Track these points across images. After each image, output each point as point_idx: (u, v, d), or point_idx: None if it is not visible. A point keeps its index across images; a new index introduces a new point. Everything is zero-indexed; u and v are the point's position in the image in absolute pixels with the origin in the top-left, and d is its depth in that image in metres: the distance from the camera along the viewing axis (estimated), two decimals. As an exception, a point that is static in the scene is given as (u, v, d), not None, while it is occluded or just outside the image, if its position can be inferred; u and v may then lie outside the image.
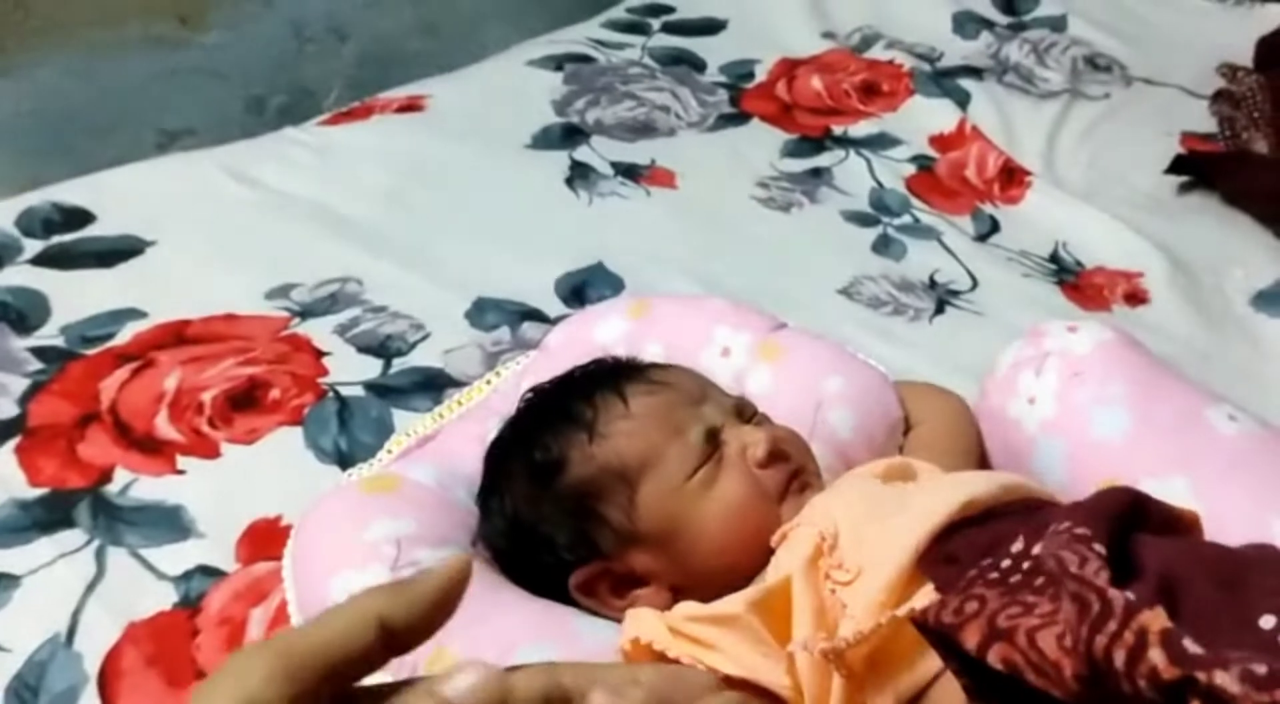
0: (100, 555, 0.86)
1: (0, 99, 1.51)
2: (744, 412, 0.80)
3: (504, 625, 0.73)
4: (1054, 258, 1.26)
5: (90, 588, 0.83)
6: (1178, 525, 0.65)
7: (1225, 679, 0.47)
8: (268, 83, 1.73)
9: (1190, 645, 0.48)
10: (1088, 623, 0.50)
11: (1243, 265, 1.23)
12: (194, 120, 1.66)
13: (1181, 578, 0.55)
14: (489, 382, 0.97)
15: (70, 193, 1.29)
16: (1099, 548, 0.56)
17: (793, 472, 0.76)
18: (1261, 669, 0.47)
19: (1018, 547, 0.60)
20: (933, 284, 1.21)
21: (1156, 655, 0.48)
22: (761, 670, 0.63)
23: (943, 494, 0.68)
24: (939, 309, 1.17)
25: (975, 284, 1.21)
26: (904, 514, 0.68)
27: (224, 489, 0.91)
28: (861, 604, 0.63)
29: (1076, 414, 0.79)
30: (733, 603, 0.65)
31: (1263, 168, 1.35)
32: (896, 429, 0.88)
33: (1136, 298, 1.19)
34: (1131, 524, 0.61)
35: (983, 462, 0.86)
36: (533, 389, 0.85)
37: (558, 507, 0.76)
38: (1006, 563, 0.59)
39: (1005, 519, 0.66)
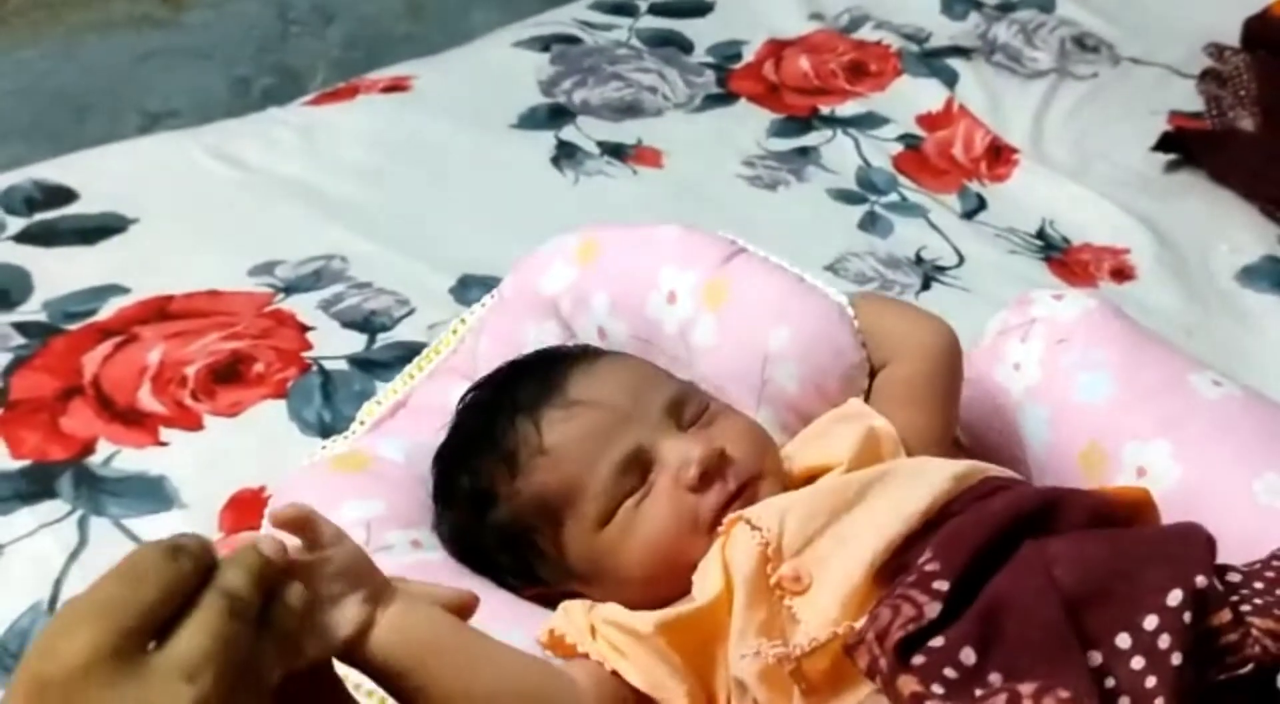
0: (83, 525, 0.86)
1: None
2: (684, 411, 0.74)
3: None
4: (1041, 234, 1.26)
5: (73, 557, 0.83)
6: (1108, 513, 0.63)
7: None
8: (252, 64, 1.72)
9: None
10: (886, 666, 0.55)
11: (1228, 241, 1.23)
12: (177, 102, 1.65)
13: (1016, 607, 0.55)
14: (454, 331, 0.96)
15: (52, 171, 1.29)
16: (939, 586, 0.56)
17: (734, 489, 0.70)
18: None
19: (924, 556, 0.60)
20: (919, 260, 1.21)
21: None
22: (663, 689, 0.62)
23: (902, 503, 0.65)
24: (925, 285, 1.17)
25: (962, 260, 1.21)
26: (860, 516, 0.65)
27: (207, 460, 0.91)
28: (817, 618, 0.62)
29: (1061, 379, 0.79)
30: (644, 621, 0.64)
31: (1249, 145, 1.35)
32: (853, 374, 0.81)
33: (1123, 274, 1.20)
34: (1035, 529, 0.60)
35: (955, 413, 0.81)
36: (471, 388, 0.81)
37: (495, 537, 0.75)
38: (911, 574, 0.59)
39: (952, 519, 0.64)
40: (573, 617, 0.66)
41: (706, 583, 0.66)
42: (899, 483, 0.68)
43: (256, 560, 0.47)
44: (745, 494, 0.70)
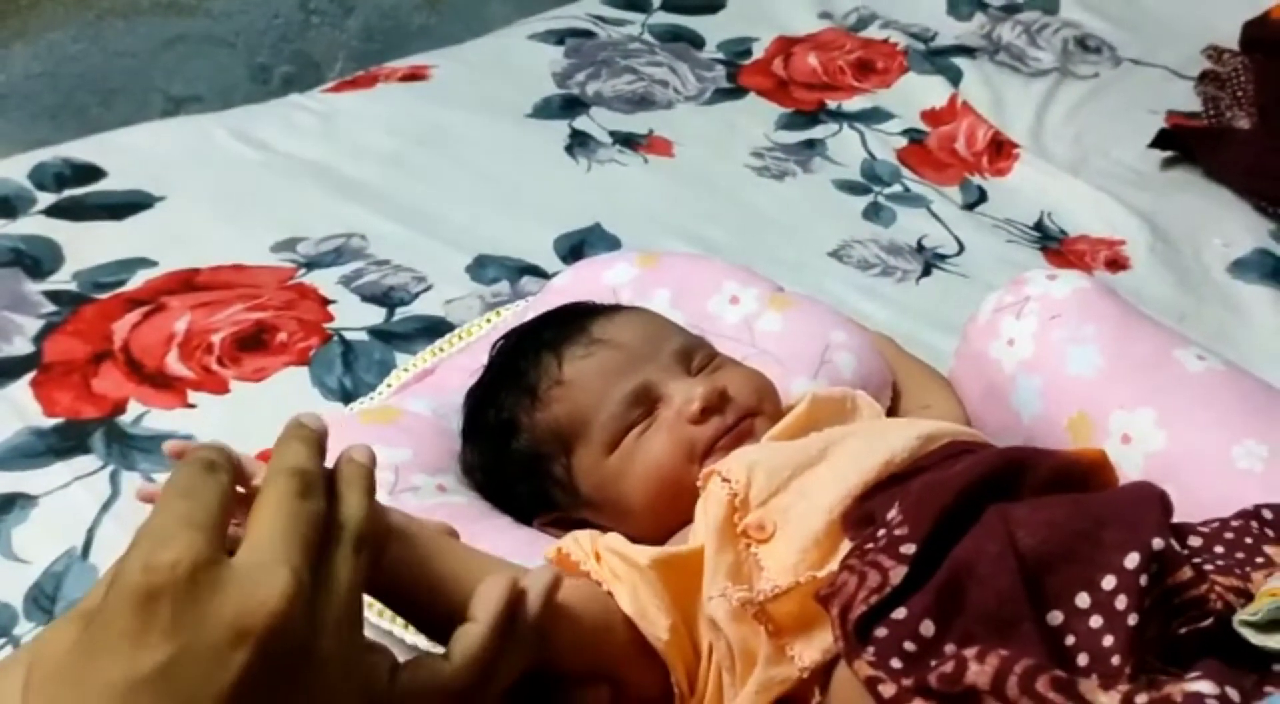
0: (115, 479, 0.90)
1: (15, 61, 1.54)
2: (693, 358, 0.80)
3: (496, 548, 0.76)
4: (1039, 226, 1.30)
5: (105, 507, 0.87)
6: (1070, 472, 0.65)
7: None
8: (273, 52, 1.76)
9: (885, 690, 0.54)
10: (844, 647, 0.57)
11: (1221, 235, 1.27)
12: (200, 87, 1.69)
13: (975, 575, 0.57)
14: (488, 320, 1.00)
15: (81, 150, 1.32)
16: (905, 549, 0.58)
17: (731, 423, 0.76)
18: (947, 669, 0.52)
19: (891, 513, 0.62)
20: (920, 248, 1.24)
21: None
22: (647, 619, 0.65)
23: (862, 455, 0.69)
24: (926, 271, 1.21)
25: (961, 249, 1.25)
26: (823, 472, 0.69)
27: (234, 422, 0.95)
28: (777, 564, 0.65)
29: (1052, 352, 0.82)
30: (642, 554, 0.67)
31: (1243, 144, 1.39)
32: (886, 389, 0.91)
33: (1118, 264, 1.23)
34: (1001, 490, 0.62)
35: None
36: (502, 336, 0.88)
37: (514, 465, 0.80)
38: (881, 533, 0.62)
39: (920, 475, 0.67)
40: (580, 541, 0.70)
41: (698, 530, 0.70)
42: (862, 439, 0.72)
43: (308, 431, 0.50)
44: (742, 427, 0.76)
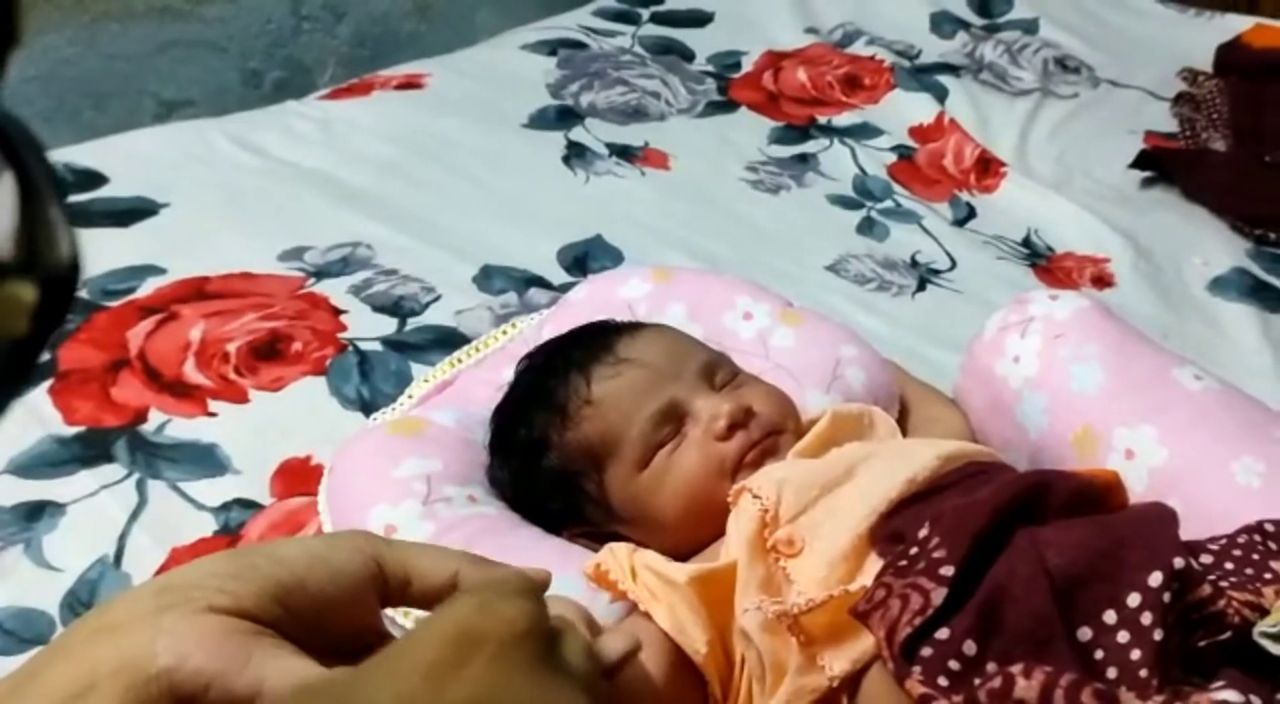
0: (141, 487, 0.91)
1: (10, 65, 1.53)
2: (716, 375, 0.82)
3: (531, 560, 0.78)
4: (1026, 242, 1.34)
5: (134, 516, 0.88)
6: (1088, 493, 0.69)
7: None
8: (265, 57, 1.77)
9: None
10: (894, 667, 0.60)
11: (1201, 254, 1.31)
12: (192, 91, 1.69)
13: (1011, 596, 0.60)
14: (505, 332, 1.02)
15: (81, 156, 1.33)
16: (945, 571, 0.61)
17: (757, 438, 0.78)
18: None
19: (924, 533, 0.66)
20: (914, 264, 1.28)
21: None
22: (685, 634, 0.68)
23: (886, 474, 0.72)
24: (920, 286, 1.24)
25: (954, 264, 1.28)
26: (850, 490, 0.72)
27: (255, 431, 0.96)
28: (807, 578, 0.68)
29: (1056, 370, 0.86)
30: (679, 571, 0.70)
31: (1220, 165, 1.44)
32: (894, 402, 0.94)
33: (1103, 281, 1.27)
34: (1027, 511, 0.65)
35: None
36: (527, 355, 0.90)
37: (545, 482, 0.82)
38: (914, 551, 0.65)
39: (942, 494, 0.70)
40: (617, 556, 0.72)
41: (730, 544, 0.72)
42: (886, 459, 0.75)
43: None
44: (767, 443, 0.79)
